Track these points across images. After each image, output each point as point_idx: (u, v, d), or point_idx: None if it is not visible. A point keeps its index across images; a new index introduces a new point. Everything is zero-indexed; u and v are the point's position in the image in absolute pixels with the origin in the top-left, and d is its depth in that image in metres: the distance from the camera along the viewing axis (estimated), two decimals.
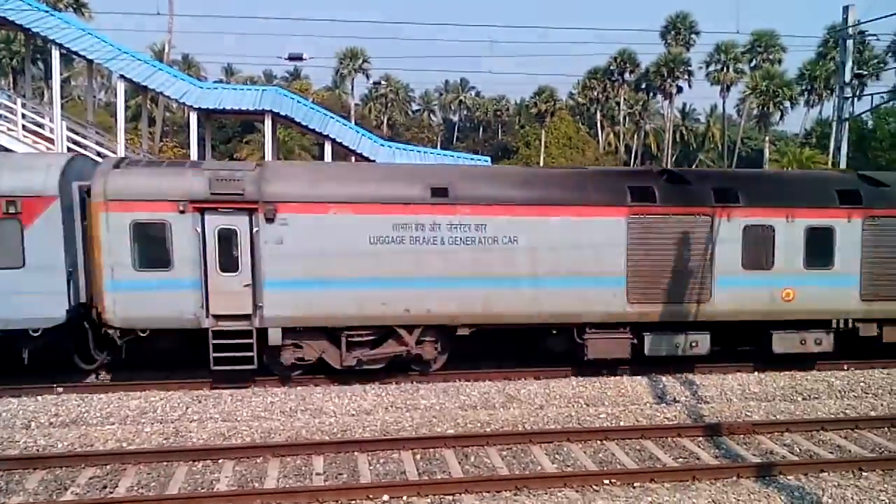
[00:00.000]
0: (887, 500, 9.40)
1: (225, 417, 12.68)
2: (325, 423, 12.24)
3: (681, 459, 11.07)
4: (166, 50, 38.60)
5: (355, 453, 10.96)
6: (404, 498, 9.43)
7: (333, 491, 9.52)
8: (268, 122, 28.39)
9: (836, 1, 26.83)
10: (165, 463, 10.59)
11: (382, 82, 77.72)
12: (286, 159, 45.76)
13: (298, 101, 29.65)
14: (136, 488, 9.81)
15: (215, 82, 50.28)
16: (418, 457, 10.92)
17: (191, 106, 27.67)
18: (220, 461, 10.66)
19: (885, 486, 9.77)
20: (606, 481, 9.98)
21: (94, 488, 9.79)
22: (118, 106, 29.21)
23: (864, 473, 10.37)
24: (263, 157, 31.84)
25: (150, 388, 14.03)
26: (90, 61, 28.16)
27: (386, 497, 9.41)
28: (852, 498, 9.42)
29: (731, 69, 75.06)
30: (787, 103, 71.69)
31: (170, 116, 66.71)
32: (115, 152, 26.89)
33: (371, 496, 9.41)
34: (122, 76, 27.16)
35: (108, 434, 11.57)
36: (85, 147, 26.66)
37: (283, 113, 27.86)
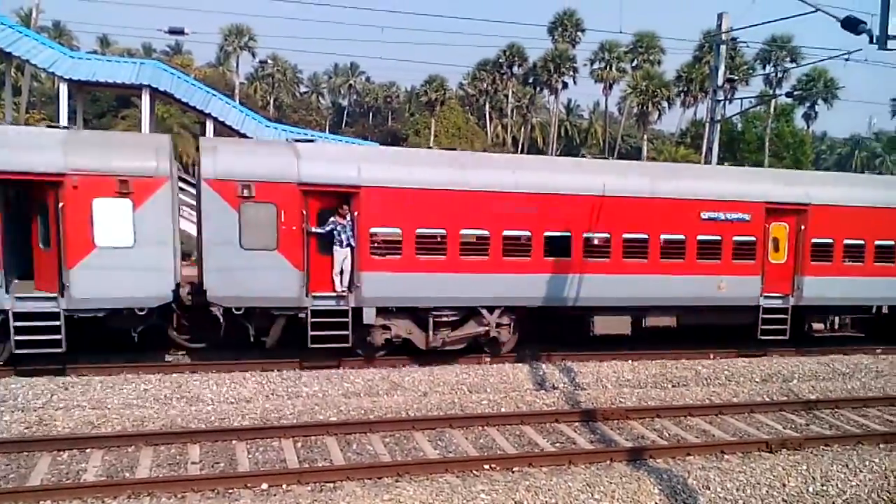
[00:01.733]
0: (744, 481, 10.01)
1: (94, 405, 12.04)
2: (203, 411, 11.85)
3: (558, 444, 11.39)
4: (34, 15, 35.97)
5: (233, 442, 10.65)
6: (284, 486, 9.25)
7: (209, 480, 9.21)
8: (145, 98, 27.01)
9: (713, 6, 28.28)
10: (26, 454, 9.95)
11: (269, 61, 75.70)
12: None
13: (179, 77, 28.34)
14: None
15: (89, 53, 47.50)
16: (299, 444, 10.74)
17: (60, 76, 25.91)
18: (87, 451, 10.12)
19: (744, 467, 10.39)
20: (486, 466, 10.15)
21: None
22: None
23: (726, 456, 11.01)
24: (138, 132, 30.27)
25: (9, 374, 13.16)
26: None
27: (265, 485, 9.19)
28: (715, 479, 9.97)
29: (613, 68, 77.82)
30: (665, 103, 74.98)
31: (38, 87, 62.55)
32: None
33: (249, 485, 9.17)
34: None
35: None
36: None
37: (162, 88, 26.57)
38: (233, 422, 11.46)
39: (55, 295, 13.18)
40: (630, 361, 16.17)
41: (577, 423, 12.28)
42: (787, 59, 65.06)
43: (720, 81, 26.35)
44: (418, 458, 10.49)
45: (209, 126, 27.95)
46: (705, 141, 31.79)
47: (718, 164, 28.88)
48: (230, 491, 9.06)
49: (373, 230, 14.54)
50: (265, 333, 14.75)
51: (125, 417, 11.36)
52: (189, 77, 32.53)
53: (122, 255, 13.17)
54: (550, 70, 77.48)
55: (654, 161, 54.63)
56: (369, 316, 14.70)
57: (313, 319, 14.27)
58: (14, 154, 12.77)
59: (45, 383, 12.64)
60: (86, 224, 13.03)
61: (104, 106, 60.58)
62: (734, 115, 47.80)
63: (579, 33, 79.36)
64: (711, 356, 17.26)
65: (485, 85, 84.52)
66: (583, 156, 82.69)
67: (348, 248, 14.44)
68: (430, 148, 21.64)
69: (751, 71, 65.65)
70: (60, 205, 12.92)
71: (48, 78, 49.90)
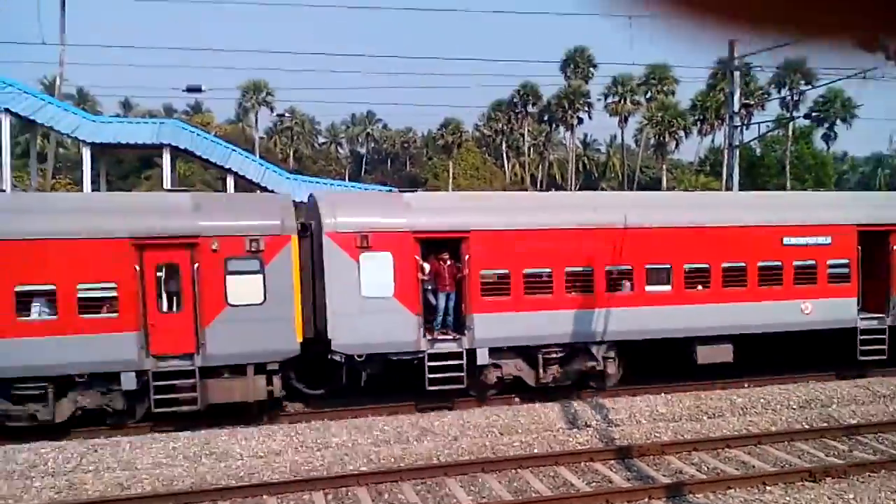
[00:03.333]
0: None
1: (124, 466, 11.97)
2: (232, 466, 11.75)
3: (594, 484, 11.13)
4: (58, 83, 36.94)
5: (264, 497, 10.53)
6: None
7: None
8: (166, 157, 27.58)
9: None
10: None
11: (287, 115, 76.78)
12: None
13: (198, 134, 28.96)
14: None
15: (111, 116, 48.58)
16: (330, 496, 10.59)
17: (83, 140, 26.55)
18: None
19: (787, 498, 10.08)
20: None
21: None
22: (2, 141, 27.71)
23: (768, 488, 10.69)
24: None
25: (41, 439, 13.16)
26: None
27: None
28: None
29: (628, 101, 78.01)
30: (682, 133, 74.90)
31: (64, 153, 63.95)
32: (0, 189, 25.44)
33: None
34: (6, 110, 25.79)
35: None
36: None
37: (182, 146, 27.12)
38: (263, 476, 11.33)
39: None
40: (663, 394, 15.85)
41: (612, 461, 12.02)
42: (802, 81, 64.87)
43: (736, 107, 26.26)
44: None
45: (230, 181, 28.37)
46: (725, 167, 31.62)
47: (739, 189, 28.67)
48: None
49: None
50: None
51: (155, 477, 11.28)
52: (208, 134, 33.12)
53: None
54: (565, 107, 77.86)
55: (674, 190, 54.41)
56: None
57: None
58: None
59: (76, 446, 12.62)
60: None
61: (128, 168, 61.82)
62: (752, 140, 47.54)
63: (591, 69, 79.82)
64: (746, 384, 16.87)
65: (500, 125, 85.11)
66: (602, 189, 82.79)
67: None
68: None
69: (766, 95, 65.50)
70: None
71: (73, 143, 51.05)
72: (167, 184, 27.96)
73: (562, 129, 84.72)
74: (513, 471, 11.60)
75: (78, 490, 10.85)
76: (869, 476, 11.09)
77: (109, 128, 27.54)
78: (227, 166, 27.87)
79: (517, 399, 15.92)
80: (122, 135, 27.17)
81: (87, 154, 27.38)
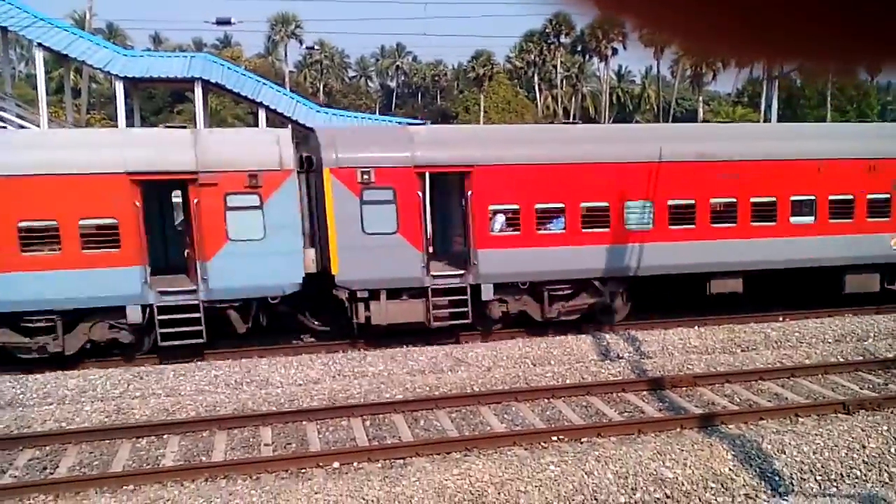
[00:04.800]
0: (822, 444, 9.75)
1: (168, 393, 12.41)
2: (272, 394, 12.09)
3: (626, 414, 11.29)
4: (87, 18, 36.83)
5: (304, 423, 10.86)
6: (355, 464, 9.41)
7: (282, 461, 9.43)
8: (198, 91, 27.51)
9: None
10: (107, 442, 10.32)
11: (316, 48, 76.02)
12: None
13: (229, 69, 28.78)
14: (77, 468, 9.55)
15: (143, 51, 48.56)
16: (367, 423, 10.89)
17: (116, 75, 26.58)
18: (164, 437, 10.44)
19: (820, 430, 10.12)
20: (554, 438, 10.14)
21: (33, 470, 9.50)
22: (38, 76, 27.92)
23: (801, 419, 10.75)
24: (195, 127, 30.88)
25: (89, 366, 13.64)
26: (4, 29, 26.72)
27: (336, 464, 9.37)
28: (790, 443, 9.73)
29: None
30: (720, 64, 72.82)
31: (96, 88, 64.25)
32: (37, 125, 25.76)
33: (321, 464, 9.35)
34: (39, 44, 25.89)
35: (47, 414, 11.19)
36: (4, 120, 25.45)
37: (213, 80, 27.03)
38: (302, 403, 11.67)
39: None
40: (696, 328, 15.87)
41: (644, 392, 12.15)
42: None
43: None
44: (486, 432, 10.53)
45: (261, 115, 28.35)
46: (763, 99, 30.80)
47: (778, 122, 28.00)
48: (303, 470, 9.26)
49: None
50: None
51: (198, 403, 11.67)
52: (239, 68, 32.96)
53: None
54: (598, 37, 76.03)
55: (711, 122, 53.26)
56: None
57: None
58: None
59: (122, 373, 13.08)
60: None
61: (159, 102, 61.96)
62: (792, 71, 46.24)
63: None
64: (781, 318, 16.81)
65: (532, 56, 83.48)
66: (636, 121, 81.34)
67: None
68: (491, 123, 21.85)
69: None
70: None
71: (105, 79, 51.17)
72: (199, 118, 28.04)
73: (595, 60, 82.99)
74: (545, 400, 11.79)
75: (126, 414, 11.28)
76: None
77: (141, 61, 27.50)
78: (258, 100, 27.75)
79: (551, 332, 16.00)
80: (154, 69, 27.14)
81: (120, 88, 27.45)
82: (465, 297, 14.80)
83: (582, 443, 10.01)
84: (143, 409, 11.47)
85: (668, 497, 8.81)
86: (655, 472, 9.08)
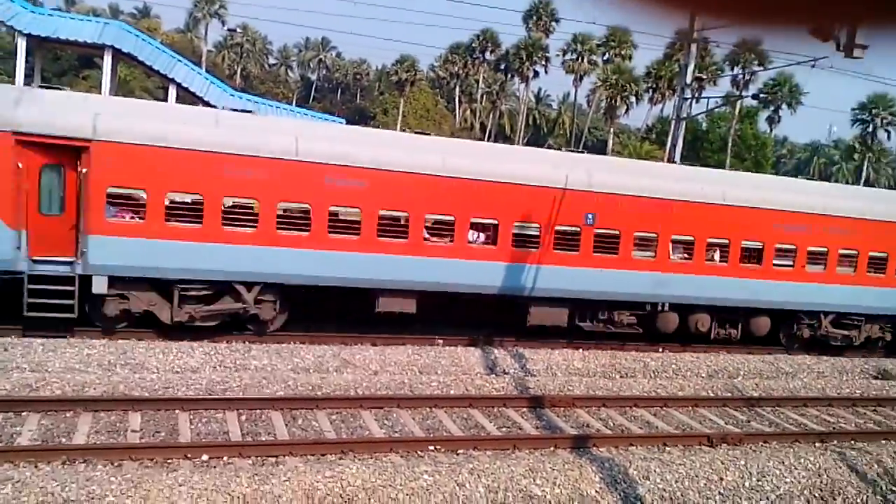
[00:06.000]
0: (684, 473, 10.18)
1: (34, 368, 11.76)
2: (147, 378, 11.65)
3: (504, 429, 11.45)
4: None
5: (176, 412, 10.50)
6: (225, 458, 9.16)
7: (148, 449, 9.08)
8: (108, 58, 26.48)
9: None
10: None
11: (238, 30, 74.25)
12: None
13: (143, 40, 27.78)
14: None
15: (53, 9, 46.13)
16: (244, 418, 10.63)
17: (19, 31, 25.21)
18: (23, 414, 9.88)
19: (684, 459, 10.57)
20: (431, 448, 10.17)
21: None
22: None
23: (668, 448, 11.19)
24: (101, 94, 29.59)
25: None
26: None
27: (205, 457, 9.09)
28: (655, 470, 10.12)
29: (585, 60, 77.84)
30: (633, 98, 75.35)
31: None
32: None
33: (189, 455, 9.06)
34: None
35: None
36: None
37: (125, 50, 26.07)
38: (177, 392, 11.27)
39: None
40: (581, 350, 16.31)
41: (524, 409, 12.35)
42: (755, 61, 65.75)
43: (689, 80, 26.54)
44: (363, 436, 10.47)
45: (171, 91, 27.47)
46: (670, 138, 32.00)
47: (682, 162, 29.18)
48: (169, 461, 8.94)
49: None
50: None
51: (66, 382, 11.11)
52: (155, 40, 31.84)
53: None
54: (523, 58, 77.25)
55: (620, 155, 55.05)
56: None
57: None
58: None
59: None
60: None
61: (65, 65, 59.12)
62: (700, 114, 48.31)
63: (553, 23, 79.23)
64: (661, 349, 17.49)
65: (456, 68, 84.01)
66: (549, 146, 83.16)
67: None
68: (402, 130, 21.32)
69: (719, 71, 66.23)
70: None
71: (7, 33, 48.42)
72: (106, 87, 26.90)
73: (517, 80, 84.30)
74: (427, 409, 11.83)
75: None
76: (762, 445, 11.71)
77: (50, 21, 26.19)
78: (170, 76, 26.92)
79: (440, 341, 16.09)
80: (63, 30, 25.90)
81: (21, 44, 26.04)
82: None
83: (458, 454, 10.08)
84: (3, 382, 10.81)
85: None
86: (525, 489, 9.26)
